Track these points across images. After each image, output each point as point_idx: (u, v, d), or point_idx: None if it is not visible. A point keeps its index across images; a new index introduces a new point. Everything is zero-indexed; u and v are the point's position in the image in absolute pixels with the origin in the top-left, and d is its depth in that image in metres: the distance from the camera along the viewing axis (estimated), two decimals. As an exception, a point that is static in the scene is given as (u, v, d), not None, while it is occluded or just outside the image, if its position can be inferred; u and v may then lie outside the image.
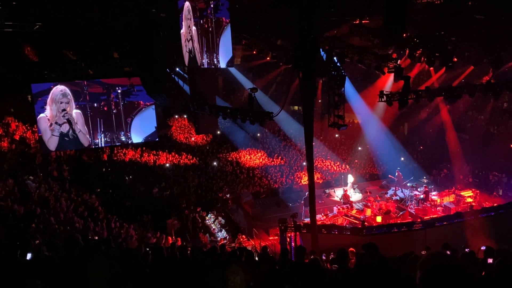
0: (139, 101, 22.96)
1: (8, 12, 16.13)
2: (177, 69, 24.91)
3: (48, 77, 20.65)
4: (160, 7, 16.93)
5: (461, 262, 1.89)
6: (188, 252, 9.41)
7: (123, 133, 23.06)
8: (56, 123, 21.22)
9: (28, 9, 16.73)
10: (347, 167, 26.26)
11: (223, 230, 19.62)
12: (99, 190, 20.81)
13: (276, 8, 16.73)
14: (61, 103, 21.22)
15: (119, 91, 22.59)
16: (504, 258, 5.48)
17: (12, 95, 23.85)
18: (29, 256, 6.13)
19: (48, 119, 20.98)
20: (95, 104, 22.23)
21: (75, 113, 21.61)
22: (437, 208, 19.17)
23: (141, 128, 23.25)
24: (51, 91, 20.99)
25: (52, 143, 21.11)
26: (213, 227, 19.94)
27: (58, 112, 21.16)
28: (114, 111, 22.58)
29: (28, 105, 22.37)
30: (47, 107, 20.87)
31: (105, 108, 22.55)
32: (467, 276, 1.86)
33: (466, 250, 10.41)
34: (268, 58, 19.44)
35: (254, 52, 20.10)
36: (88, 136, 21.92)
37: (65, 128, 21.39)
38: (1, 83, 21.09)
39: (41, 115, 20.83)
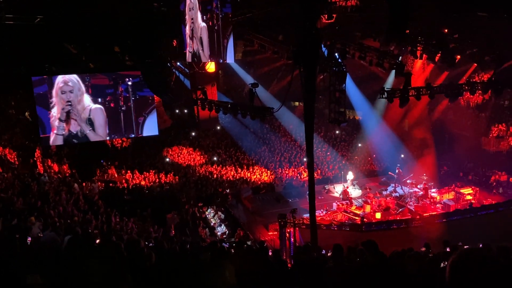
0: (154, 95, 19.27)
1: (9, 5, 16.08)
2: (178, 63, 24.83)
3: (48, 71, 20.36)
4: (162, 1, 16.84)
5: (494, 255, 1.91)
6: (188, 246, 9.44)
7: (133, 135, 19.75)
8: (59, 119, 17.90)
9: (29, 2, 16.66)
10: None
11: (223, 225, 19.65)
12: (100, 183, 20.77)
13: (277, 4, 16.65)
14: (63, 92, 17.72)
15: (129, 83, 18.80)
16: (503, 256, 5.50)
17: (13, 89, 23.72)
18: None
19: (55, 115, 17.98)
20: (100, 99, 18.41)
21: (93, 109, 18.14)
22: (437, 205, 19.20)
23: (154, 128, 19.89)
24: (55, 81, 17.85)
25: (56, 142, 18.59)
26: (213, 222, 19.97)
27: (63, 105, 17.79)
28: (123, 108, 18.76)
29: (29, 98, 22.04)
30: (54, 100, 17.83)
31: (112, 104, 18.66)
32: (497, 267, 1.87)
33: (465, 247, 10.42)
34: (268, 54, 19.38)
35: (256, 47, 20.03)
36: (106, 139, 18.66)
37: (75, 126, 17.91)
38: (2, 76, 20.80)
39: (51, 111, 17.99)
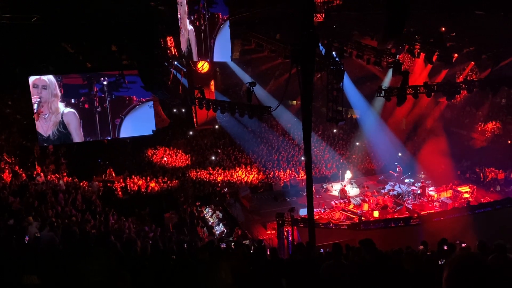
0: (132, 96, 18.28)
1: (5, 4, 16.00)
2: (175, 62, 24.77)
3: (46, 70, 20.21)
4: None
5: (490, 265, 1.88)
6: (185, 246, 9.42)
7: (110, 138, 18.98)
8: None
9: (26, 1, 16.58)
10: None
11: (221, 224, 19.64)
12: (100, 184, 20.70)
13: (275, 4, 16.62)
14: (35, 86, 17.27)
15: (104, 82, 18.00)
16: (499, 253, 5.52)
17: (10, 88, 23.56)
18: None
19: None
20: (73, 100, 17.56)
21: (66, 113, 17.58)
22: (434, 204, 19.24)
23: (133, 131, 18.90)
24: (30, 78, 17.59)
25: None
26: (211, 221, 19.96)
27: (33, 98, 17.45)
28: (98, 109, 17.90)
29: (26, 98, 21.82)
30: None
31: (86, 106, 17.84)
32: (494, 279, 1.85)
33: (462, 245, 10.45)
34: (265, 53, 19.36)
35: (253, 46, 20.00)
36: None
37: (46, 127, 17.25)
38: (-1, 75, 20.62)
39: None
